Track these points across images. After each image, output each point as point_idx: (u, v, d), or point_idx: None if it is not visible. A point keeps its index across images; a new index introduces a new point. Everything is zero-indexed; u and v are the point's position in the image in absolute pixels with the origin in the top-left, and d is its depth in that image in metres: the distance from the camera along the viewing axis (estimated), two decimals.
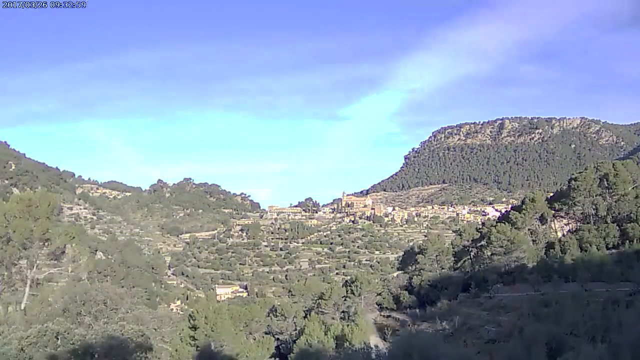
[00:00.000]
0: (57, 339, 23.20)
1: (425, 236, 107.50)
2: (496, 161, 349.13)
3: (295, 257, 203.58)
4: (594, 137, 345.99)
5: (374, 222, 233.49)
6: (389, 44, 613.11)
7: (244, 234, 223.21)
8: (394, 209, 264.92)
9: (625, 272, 50.33)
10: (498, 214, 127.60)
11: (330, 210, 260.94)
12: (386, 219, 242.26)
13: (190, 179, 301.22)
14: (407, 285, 66.13)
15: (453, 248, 74.11)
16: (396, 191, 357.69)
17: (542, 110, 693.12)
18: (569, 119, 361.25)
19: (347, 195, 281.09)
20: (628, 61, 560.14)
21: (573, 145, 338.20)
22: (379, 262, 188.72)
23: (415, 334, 22.75)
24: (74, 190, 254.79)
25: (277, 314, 58.16)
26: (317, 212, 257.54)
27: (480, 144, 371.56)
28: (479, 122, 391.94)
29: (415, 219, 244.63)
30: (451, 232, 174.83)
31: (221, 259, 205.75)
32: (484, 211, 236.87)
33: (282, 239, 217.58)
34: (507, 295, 54.74)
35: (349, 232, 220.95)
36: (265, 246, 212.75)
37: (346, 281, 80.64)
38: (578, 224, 69.99)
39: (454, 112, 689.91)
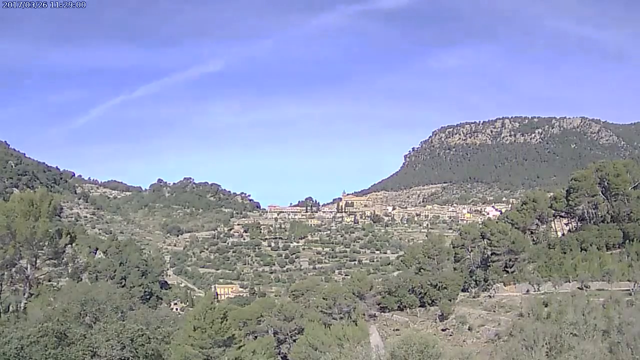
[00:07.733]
0: (57, 338, 23.16)
1: (426, 236, 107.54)
2: (496, 161, 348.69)
3: (296, 256, 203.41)
4: (594, 137, 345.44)
5: (374, 222, 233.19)
6: None
7: (245, 233, 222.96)
8: (394, 209, 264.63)
9: (626, 271, 50.40)
10: (498, 214, 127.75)
11: (331, 210, 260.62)
12: (386, 218, 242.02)
13: (190, 178, 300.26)
14: (408, 285, 66.10)
15: (453, 248, 74.08)
16: (396, 191, 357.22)
17: (542, 110, 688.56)
18: (569, 118, 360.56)
19: (347, 194, 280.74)
20: None
21: (573, 145, 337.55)
22: (379, 262, 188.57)
23: (415, 334, 22.77)
24: (74, 190, 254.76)
25: (278, 314, 58.16)
26: (317, 212, 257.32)
27: (481, 143, 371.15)
28: (479, 121, 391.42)
29: (416, 218, 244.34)
30: (452, 231, 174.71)
31: (222, 258, 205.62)
32: (484, 211, 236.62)
33: (282, 238, 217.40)
34: (507, 295, 54.87)
35: (350, 232, 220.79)
36: (267, 246, 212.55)
37: (347, 281, 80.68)
38: (578, 224, 70.09)
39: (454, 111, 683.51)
